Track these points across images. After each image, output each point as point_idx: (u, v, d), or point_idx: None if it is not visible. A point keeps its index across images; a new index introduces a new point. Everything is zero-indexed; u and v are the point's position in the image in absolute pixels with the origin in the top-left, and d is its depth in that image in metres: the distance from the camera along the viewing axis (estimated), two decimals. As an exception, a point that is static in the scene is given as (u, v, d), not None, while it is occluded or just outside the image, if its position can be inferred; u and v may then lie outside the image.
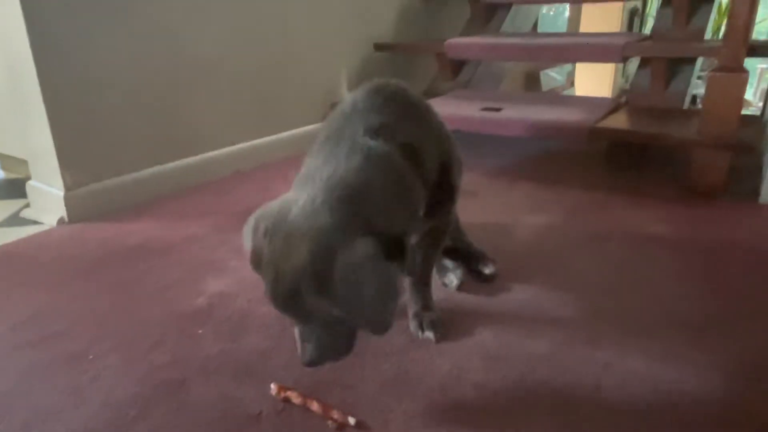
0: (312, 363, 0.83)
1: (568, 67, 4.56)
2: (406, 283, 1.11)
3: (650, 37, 2.20)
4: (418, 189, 0.91)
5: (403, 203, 0.87)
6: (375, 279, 0.75)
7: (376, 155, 0.85)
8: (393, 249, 0.80)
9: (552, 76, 4.31)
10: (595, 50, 2.09)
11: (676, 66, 2.08)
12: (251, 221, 0.85)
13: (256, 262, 0.81)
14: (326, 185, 0.80)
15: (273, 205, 0.83)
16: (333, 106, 0.98)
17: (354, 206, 0.79)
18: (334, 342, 0.82)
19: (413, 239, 1.06)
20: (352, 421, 0.85)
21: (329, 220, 0.76)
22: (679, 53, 2.00)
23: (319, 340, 0.81)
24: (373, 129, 0.88)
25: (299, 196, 0.81)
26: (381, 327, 0.78)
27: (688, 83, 2.09)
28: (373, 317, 0.76)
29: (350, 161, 0.83)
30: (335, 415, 0.86)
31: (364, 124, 0.89)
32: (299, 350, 0.83)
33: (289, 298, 0.77)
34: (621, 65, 4.67)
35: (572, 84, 4.73)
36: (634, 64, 4.14)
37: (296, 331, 0.85)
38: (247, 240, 0.85)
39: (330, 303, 0.75)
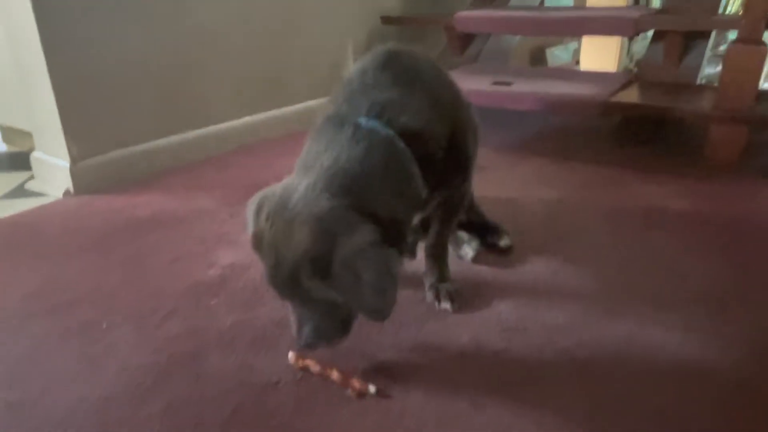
0: (309, 345, 0.84)
1: (573, 45, 4.50)
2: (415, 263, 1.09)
3: (663, 11, 2.16)
4: (420, 175, 0.89)
5: (403, 190, 0.87)
6: (374, 265, 0.76)
7: (378, 142, 0.84)
8: (393, 236, 0.80)
9: (557, 55, 4.25)
10: (608, 23, 2.04)
11: (690, 41, 2.04)
12: (254, 203, 0.85)
13: (258, 244, 0.82)
14: (328, 173, 0.81)
15: (275, 189, 0.83)
16: (339, 80, 0.96)
17: (355, 194, 0.79)
18: (330, 325, 0.83)
19: (423, 215, 1.05)
20: (372, 389, 0.84)
21: (330, 206, 0.77)
22: (695, 26, 1.95)
23: (315, 323, 0.82)
24: (378, 107, 0.88)
25: (301, 182, 0.81)
26: (380, 314, 0.78)
27: (701, 59, 2.05)
28: (371, 303, 0.77)
29: (352, 149, 0.83)
30: (355, 383, 0.85)
31: (369, 100, 0.88)
32: (295, 332, 0.84)
33: (288, 281, 0.78)
34: (627, 44, 4.60)
35: (577, 63, 4.67)
36: (639, 43, 4.08)
37: (291, 314, 0.85)
38: (250, 222, 0.85)
39: (329, 288, 0.76)
